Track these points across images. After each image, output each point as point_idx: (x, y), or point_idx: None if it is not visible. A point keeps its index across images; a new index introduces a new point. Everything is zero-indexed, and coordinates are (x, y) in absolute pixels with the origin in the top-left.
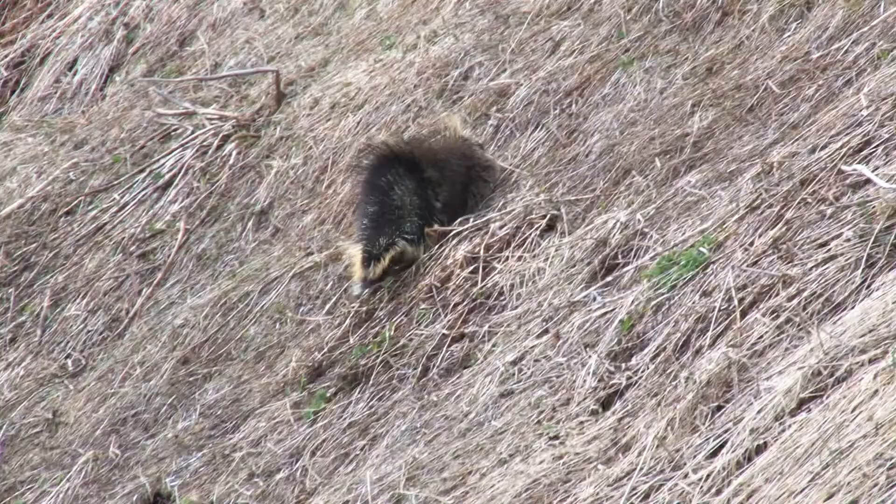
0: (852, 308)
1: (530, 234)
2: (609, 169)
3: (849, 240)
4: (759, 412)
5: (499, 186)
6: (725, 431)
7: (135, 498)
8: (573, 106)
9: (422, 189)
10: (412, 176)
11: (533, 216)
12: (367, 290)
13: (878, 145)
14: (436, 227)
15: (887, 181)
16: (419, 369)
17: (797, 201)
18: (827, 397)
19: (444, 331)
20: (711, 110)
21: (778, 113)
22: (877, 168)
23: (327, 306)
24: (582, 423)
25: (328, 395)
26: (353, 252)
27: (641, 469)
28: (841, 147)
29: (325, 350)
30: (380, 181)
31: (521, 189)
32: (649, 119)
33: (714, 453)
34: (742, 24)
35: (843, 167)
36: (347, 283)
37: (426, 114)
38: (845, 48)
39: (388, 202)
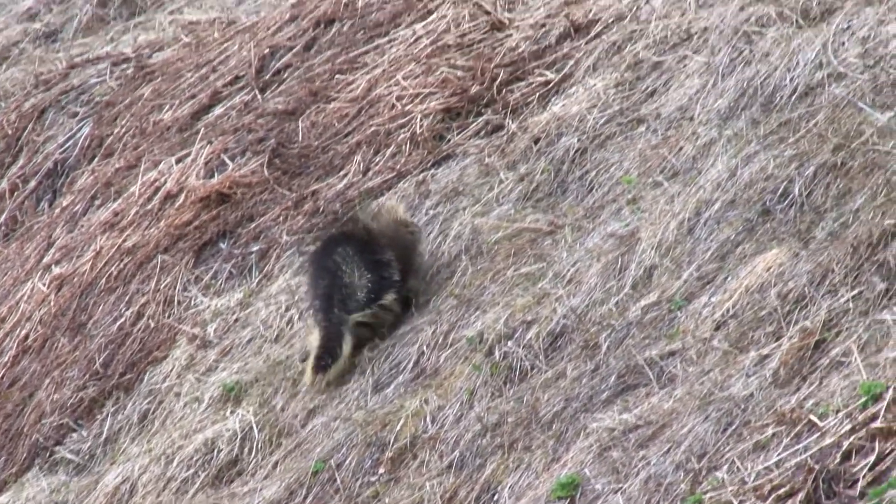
0: None
1: None
2: None
3: None
4: None
5: None
6: None
7: None
8: None
9: (375, 267)
10: (363, 256)
11: None
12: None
13: None
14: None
15: None
16: None
17: None
18: None
19: None
20: None
21: None
22: None
23: None
24: None
25: None
26: (311, 341)
27: None
28: None
29: None
30: (327, 262)
31: None
32: None
33: None
34: None
35: None
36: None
37: None
38: None
39: (337, 281)
